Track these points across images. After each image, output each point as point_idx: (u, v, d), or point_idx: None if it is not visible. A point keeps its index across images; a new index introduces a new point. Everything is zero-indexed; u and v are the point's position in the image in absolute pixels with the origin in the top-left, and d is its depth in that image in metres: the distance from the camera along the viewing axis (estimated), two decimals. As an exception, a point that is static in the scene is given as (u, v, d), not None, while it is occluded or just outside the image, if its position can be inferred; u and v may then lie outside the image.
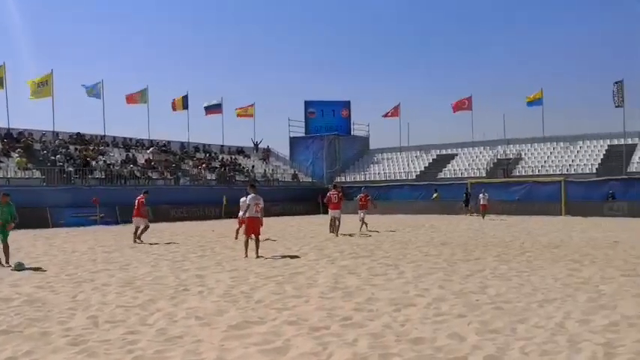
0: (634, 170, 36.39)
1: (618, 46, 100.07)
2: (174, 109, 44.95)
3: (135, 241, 18.29)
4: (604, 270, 11.34)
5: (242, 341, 6.34)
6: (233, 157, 46.26)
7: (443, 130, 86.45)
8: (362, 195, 23.11)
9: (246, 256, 14.02)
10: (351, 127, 52.86)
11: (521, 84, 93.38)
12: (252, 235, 14.30)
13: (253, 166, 45.45)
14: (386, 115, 50.42)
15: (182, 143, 44.76)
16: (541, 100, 43.77)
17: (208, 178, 40.14)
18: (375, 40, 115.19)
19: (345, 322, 7.18)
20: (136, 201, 19.51)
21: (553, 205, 34.35)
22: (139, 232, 18.72)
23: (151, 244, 17.88)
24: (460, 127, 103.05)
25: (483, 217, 31.28)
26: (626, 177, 35.35)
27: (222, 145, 47.62)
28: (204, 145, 46.54)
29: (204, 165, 41.63)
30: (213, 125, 64.43)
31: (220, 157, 45.27)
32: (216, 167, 42.31)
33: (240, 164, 45.04)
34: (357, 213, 22.91)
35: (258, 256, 13.95)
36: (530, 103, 44.26)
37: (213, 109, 47.14)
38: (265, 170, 45.70)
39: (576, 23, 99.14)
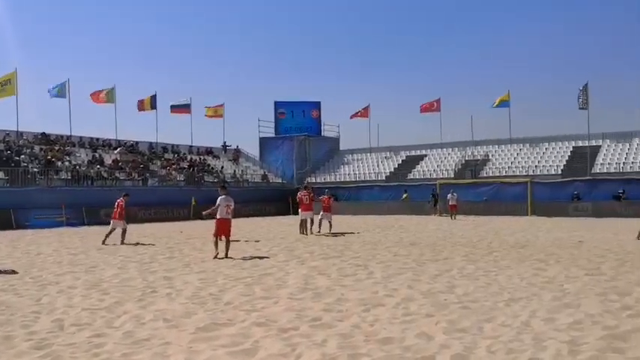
0: (598, 171, 37.21)
1: (583, 49, 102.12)
2: (141, 109, 44.39)
3: (104, 243, 18.04)
4: (568, 269, 11.56)
5: (210, 343, 6.29)
6: (202, 157, 45.94)
7: (412, 132, 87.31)
8: (325, 197, 22.90)
9: (216, 256, 13.93)
10: (322, 127, 52.97)
11: (488, 86, 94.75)
12: (223, 236, 14.25)
13: (223, 167, 45.19)
14: (355, 116, 50.58)
15: (150, 143, 44.28)
16: (508, 102, 44.41)
17: (177, 179, 39.78)
18: (345, 41, 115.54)
19: (315, 322, 7.18)
20: (116, 203, 19.21)
21: (520, 206, 34.92)
22: (113, 235, 18.49)
23: (116, 245, 17.63)
24: (429, 129, 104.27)
25: (452, 218, 31.58)
26: (590, 178, 36.13)
27: (190, 146, 47.24)
28: (172, 145, 46.11)
29: (172, 166, 41.25)
30: (182, 125, 63.81)
31: (189, 157, 44.90)
32: (185, 168, 41.95)
33: (209, 165, 44.74)
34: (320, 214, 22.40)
35: (227, 257, 13.92)
36: (497, 105, 44.84)
37: (182, 108, 46.73)
38: (235, 171, 45.48)
39: (542, 25, 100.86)
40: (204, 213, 15.32)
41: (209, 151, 48.08)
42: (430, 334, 6.56)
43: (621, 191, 33.47)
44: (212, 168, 44.22)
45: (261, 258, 14.06)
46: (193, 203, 34.44)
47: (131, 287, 9.93)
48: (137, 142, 43.54)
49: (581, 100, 39.03)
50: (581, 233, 20.66)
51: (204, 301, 8.59)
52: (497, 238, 18.90)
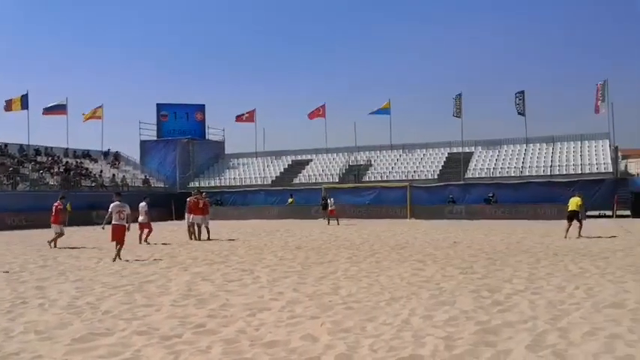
0: (471, 176, 39.51)
1: (458, 60, 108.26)
2: (9, 109, 41.21)
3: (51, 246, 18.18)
4: (445, 269, 12.15)
5: (87, 354, 5.97)
6: (79, 160, 43.65)
7: (298, 137, 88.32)
8: (194, 199, 22.18)
9: (115, 260, 14.38)
10: (206, 131, 52.06)
11: (371, 94, 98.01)
12: (116, 241, 14.70)
13: (101, 171, 43.21)
14: (240, 119, 50.02)
15: (21, 145, 41.46)
16: (388, 110, 46.03)
17: (51, 183, 37.53)
18: (231, 45, 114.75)
19: (198, 329, 7.02)
20: (53, 207, 18.97)
21: (400, 209, 36.31)
22: (54, 237, 18.53)
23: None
24: (314, 134, 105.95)
25: (329, 223, 31.00)
26: (463, 183, 38.29)
27: (66, 148, 44.71)
28: (46, 147, 43.40)
29: (45, 169, 38.85)
30: (57, 127, 60.22)
31: (64, 161, 42.50)
32: (60, 172, 39.66)
33: (86, 168, 42.59)
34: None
35: (114, 259, 14.38)
36: (379, 112, 46.25)
37: (56, 110, 44.08)
38: (114, 175, 43.60)
39: (420, 37, 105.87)
40: (103, 225, 15.85)
41: (86, 154, 45.79)
42: (315, 335, 6.63)
43: (491, 195, 35.75)
44: (90, 172, 42.14)
45: (142, 265, 13.57)
46: (69, 209, 32.53)
47: (-2, 299, 9.22)
48: (6, 145, 40.64)
49: (455, 108, 41.30)
50: (455, 234, 21.80)
51: (80, 311, 8.15)
52: (379, 241, 19.51)
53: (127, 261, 14.24)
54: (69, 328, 7.16)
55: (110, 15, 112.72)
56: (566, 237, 19.07)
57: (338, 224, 30.30)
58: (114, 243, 14.81)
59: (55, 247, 18.22)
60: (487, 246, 17.04)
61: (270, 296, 9.17)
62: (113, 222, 14.75)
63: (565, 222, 19.91)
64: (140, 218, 19.92)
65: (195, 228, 20.75)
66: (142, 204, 20.40)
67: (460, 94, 41.20)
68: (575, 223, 19.32)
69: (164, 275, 11.76)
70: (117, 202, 14.84)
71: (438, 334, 6.56)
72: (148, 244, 19.31)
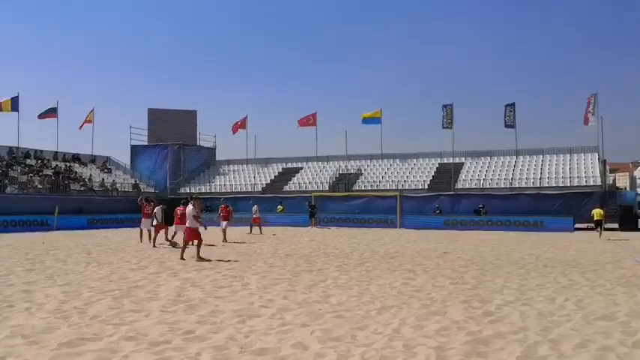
0: (461, 187, 39.62)
1: (450, 71, 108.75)
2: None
3: None
4: (435, 278, 12.13)
5: (74, 359, 5.88)
6: (68, 164, 43.33)
7: (289, 144, 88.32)
8: (222, 205, 23.43)
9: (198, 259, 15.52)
10: (198, 137, 51.91)
11: (362, 103, 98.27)
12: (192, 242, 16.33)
13: (91, 175, 42.94)
14: (236, 128, 50.07)
15: (10, 148, 41.11)
16: (379, 120, 46.14)
17: (39, 186, 37.24)
18: (224, 52, 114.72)
19: (188, 335, 6.95)
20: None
21: (389, 218, 36.29)
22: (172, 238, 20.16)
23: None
24: (305, 142, 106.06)
25: (251, 231, 29.06)
26: (453, 193, 38.38)
27: (56, 152, 44.38)
28: (35, 150, 43.06)
29: (34, 172, 38.56)
30: (47, 130, 60.01)
31: (54, 164, 42.20)
32: (49, 175, 39.37)
33: (76, 172, 42.30)
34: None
35: (198, 259, 15.53)
36: (370, 122, 46.33)
37: (48, 113, 43.89)
38: (104, 179, 43.33)
39: (409, 50, 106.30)
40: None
41: (76, 158, 45.46)
42: (305, 343, 6.58)
43: (481, 206, 35.84)
44: (79, 175, 41.86)
45: (130, 270, 13.46)
46: (57, 213, 32.34)
47: (-17, 302, 9.09)
48: (-6, 147, 40.34)
49: (445, 119, 41.47)
50: (445, 244, 21.81)
51: (67, 315, 8.05)
52: (369, 249, 19.47)
53: (209, 260, 15.56)
54: (56, 332, 7.06)
55: (103, 20, 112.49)
56: (600, 237, 25.20)
57: (261, 233, 28.72)
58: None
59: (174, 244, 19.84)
60: (477, 257, 17.05)
61: (260, 303, 9.11)
62: (188, 225, 15.82)
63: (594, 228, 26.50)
64: (156, 221, 20.91)
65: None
66: (159, 208, 21.42)
67: (451, 105, 41.40)
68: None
69: (153, 280, 11.66)
70: (190, 207, 16.03)
71: (430, 344, 6.53)
72: (171, 242, 20.38)
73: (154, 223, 20.99)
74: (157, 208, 21.38)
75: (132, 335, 6.90)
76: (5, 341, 6.61)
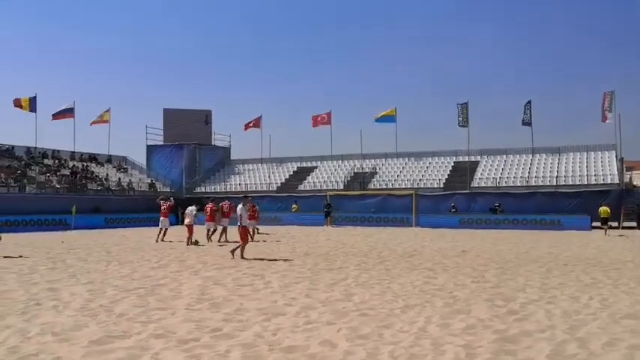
0: (477, 185, 39.43)
1: (464, 69, 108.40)
2: (17, 105, 41.28)
3: None
4: (456, 277, 12.10)
5: (106, 357, 5.95)
6: (85, 164, 43.69)
7: (303, 143, 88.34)
8: (250, 205, 23.66)
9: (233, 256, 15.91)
10: (213, 136, 52.06)
11: (377, 102, 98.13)
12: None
13: (107, 175, 43.25)
14: (248, 126, 50.22)
15: (28, 148, 41.53)
16: (394, 118, 46.02)
17: (57, 186, 37.59)
18: (238, 52, 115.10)
19: (215, 333, 7.01)
20: (207, 208, 22.05)
21: (405, 217, 36.22)
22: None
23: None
24: (320, 141, 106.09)
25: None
26: (469, 192, 38.21)
27: (73, 152, 44.74)
28: (53, 150, 43.46)
29: (52, 172, 38.92)
30: (64, 130, 60.55)
31: (71, 164, 42.57)
32: (66, 175, 39.72)
33: (92, 172, 42.64)
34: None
35: (237, 255, 15.84)
36: (384, 120, 46.20)
37: (64, 113, 44.21)
38: (120, 179, 43.63)
39: (424, 49, 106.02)
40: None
41: (93, 158, 45.81)
42: (333, 341, 6.60)
43: (497, 204, 35.64)
44: (96, 175, 42.19)
45: (151, 269, 13.56)
46: (74, 212, 32.59)
47: (12, 300, 9.22)
48: (13, 147, 40.73)
49: (461, 117, 41.30)
50: (462, 243, 21.73)
51: (95, 313, 8.13)
52: (387, 248, 19.45)
53: (248, 259, 15.49)
54: (85, 330, 7.15)
55: (118, 20, 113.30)
56: (605, 234, 26.47)
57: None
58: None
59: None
60: (496, 255, 16.98)
61: (283, 301, 9.16)
62: (242, 224, 16.07)
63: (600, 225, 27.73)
64: (186, 221, 21.31)
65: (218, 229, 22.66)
66: (191, 208, 21.92)
67: (466, 103, 41.23)
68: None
69: (175, 279, 11.75)
70: (241, 206, 16.28)
71: (457, 342, 6.53)
72: (210, 241, 21.62)
73: (186, 222, 21.30)
74: (189, 208, 21.92)
75: (160, 333, 6.96)
76: (37, 338, 6.70)
